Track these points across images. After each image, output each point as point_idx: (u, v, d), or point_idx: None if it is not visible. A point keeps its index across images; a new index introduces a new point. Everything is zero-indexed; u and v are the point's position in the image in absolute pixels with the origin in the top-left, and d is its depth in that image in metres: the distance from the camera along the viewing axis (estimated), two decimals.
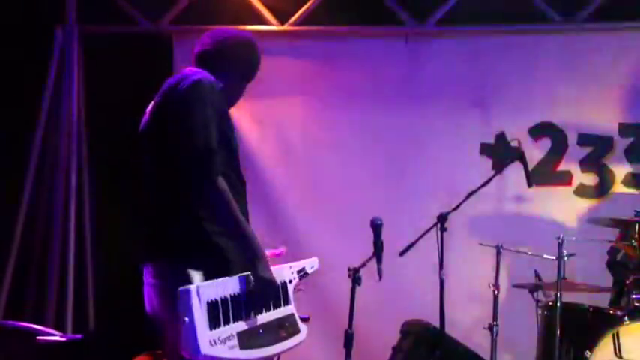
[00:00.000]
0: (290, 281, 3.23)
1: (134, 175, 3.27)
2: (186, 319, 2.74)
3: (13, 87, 5.84)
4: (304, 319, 4.46)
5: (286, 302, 3.17)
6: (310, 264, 3.39)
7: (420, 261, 4.91)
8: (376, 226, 4.42)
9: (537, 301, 4.86)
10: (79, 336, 4.02)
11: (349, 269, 4.43)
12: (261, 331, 2.98)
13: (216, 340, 2.78)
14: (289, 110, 6.08)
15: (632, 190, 5.65)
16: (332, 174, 5.94)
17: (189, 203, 2.97)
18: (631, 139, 5.70)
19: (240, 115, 6.06)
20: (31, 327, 3.93)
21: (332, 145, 5.97)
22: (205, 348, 2.74)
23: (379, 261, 4.38)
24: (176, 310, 2.77)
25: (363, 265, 4.42)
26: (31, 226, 5.95)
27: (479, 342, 4.80)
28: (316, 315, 4.90)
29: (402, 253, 4.76)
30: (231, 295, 2.89)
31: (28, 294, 5.89)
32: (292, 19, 6.09)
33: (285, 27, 6.10)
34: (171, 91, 3.06)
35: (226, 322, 2.85)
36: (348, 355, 4.32)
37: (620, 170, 5.69)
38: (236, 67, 3.25)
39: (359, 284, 4.41)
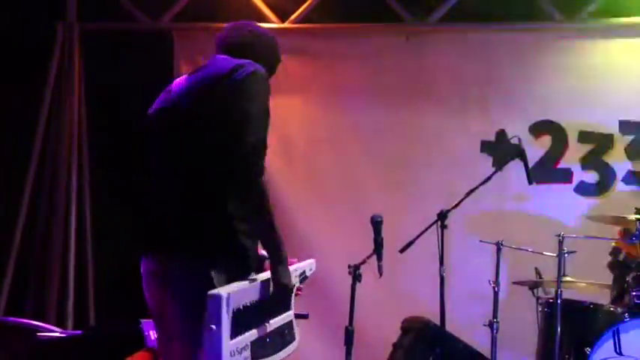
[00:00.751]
0: (294, 286, 3.11)
1: (143, 161, 3.06)
2: (214, 327, 2.60)
3: (13, 84, 5.84)
4: (304, 317, 4.47)
5: (288, 308, 3.05)
6: (309, 267, 3.27)
7: (420, 258, 4.92)
8: (376, 223, 4.43)
9: (537, 298, 4.87)
10: (79, 332, 4.02)
11: (349, 266, 4.44)
12: (268, 339, 2.86)
13: (235, 351, 2.66)
14: (290, 108, 6.07)
15: (632, 188, 5.64)
16: (332, 171, 5.94)
17: (224, 197, 2.83)
18: (632, 137, 5.70)
19: None
20: (32, 323, 3.94)
21: (332, 143, 5.97)
22: (226, 358, 2.61)
23: (379, 258, 4.39)
24: (201, 313, 2.63)
25: (364, 262, 4.42)
26: (32, 224, 5.96)
27: (479, 339, 4.79)
28: (317, 312, 4.89)
29: (402, 250, 4.76)
30: (250, 303, 2.77)
31: (28, 292, 5.90)
32: (293, 17, 6.09)
33: (286, 25, 6.10)
34: (226, 77, 2.88)
35: (245, 331, 2.73)
36: (348, 352, 4.32)
37: (621, 167, 5.68)
38: (267, 58, 3.15)
39: (359, 281, 4.42)
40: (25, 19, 5.91)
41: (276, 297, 2.86)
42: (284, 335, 2.97)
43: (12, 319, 4.10)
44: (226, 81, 2.88)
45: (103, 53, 6.03)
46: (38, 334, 3.89)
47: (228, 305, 2.62)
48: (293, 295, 3.07)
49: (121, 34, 6.11)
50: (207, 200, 2.85)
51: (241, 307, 2.70)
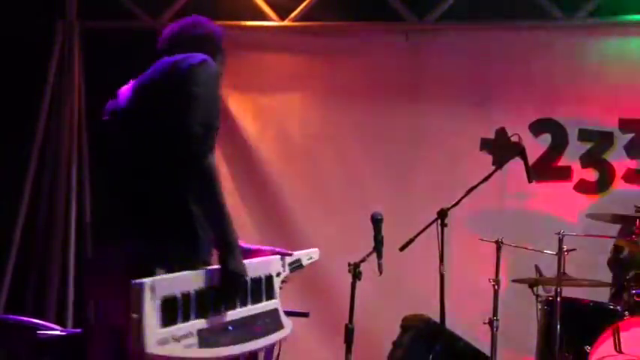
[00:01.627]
0: (278, 274, 3.09)
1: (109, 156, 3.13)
2: (135, 315, 2.60)
3: (13, 83, 5.84)
4: (304, 315, 4.47)
5: (270, 297, 3.01)
6: (308, 255, 3.26)
7: (420, 256, 4.91)
8: (376, 221, 4.43)
9: (537, 296, 4.86)
10: (79, 330, 4.02)
11: (349, 264, 4.43)
12: (231, 327, 2.82)
13: (169, 339, 2.64)
14: (289, 105, 6.09)
15: (632, 186, 5.64)
16: (332, 169, 5.95)
17: (175, 182, 2.86)
18: (631, 135, 5.69)
19: (241, 109, 6.08)
20: (32, 322, 3.94)
21: (332, 141, 5.98)
22: (152, 347, 2.60)
23: (379, 256, 4.38)
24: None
25: (364, 260, 4.41)
26: (32, 222, 5.95)
27: (479, 337, 4.79)
28: (317, 310, 4.93)
29: (402, 248, 4.75)
30: (196, 290, 2.74)
31: (28, 290, 5.89)
32: (292, 15, 6.09)
33: (286, 22, 6.10)
34: (174, 67, 2.93)
35: (186, 318, 2.70)
36: (348, 349, 4.31)
37: (621, 165, 5.68)
38: (216, 52, 3.13)
39: (359, 279, 4.41)
40: (24, 18, 5.91)
41: (228, 285, 2.81)
42: (262, 324, 2.93)
43: (12, 317, 4.10)
44: (174, 71, 2.92)
45: (103, 51, 6.02)
46: (38, 332, 3.89)
47: (154, 292, 2.62)
48: (277, 283, 3.05)
49: (122, 32, 6.10)
50: (159, 187, 2.88)
51: (177, 295, 2.68)
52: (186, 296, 2.71)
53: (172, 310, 2.67)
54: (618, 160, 5.70)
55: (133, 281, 2.64)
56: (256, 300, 2.95)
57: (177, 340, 2.66)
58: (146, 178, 2.92)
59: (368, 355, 4.92)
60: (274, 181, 5.97)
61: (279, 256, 3.15)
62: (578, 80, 5.76)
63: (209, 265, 2.87)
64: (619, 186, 5.67)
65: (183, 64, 2.91)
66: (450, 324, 4.65)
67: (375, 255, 4.39)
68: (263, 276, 3.02)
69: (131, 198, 2.94)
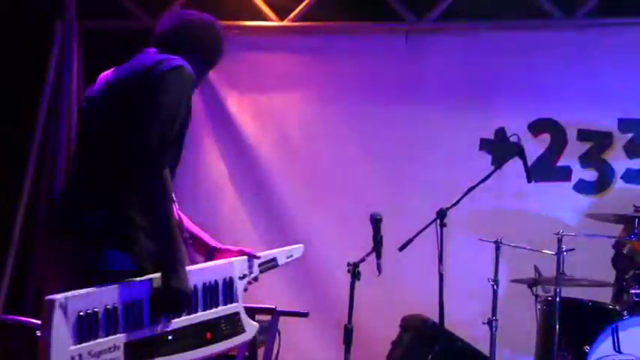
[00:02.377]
0: (243, 276, 3.00)
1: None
2: (41, 333, 2.54)
3: (12, 83, 5.84)
4: (304, 315, 4.48)
5: (230, 301, 2.91)
6: (287, 253, 3.16)
7: (419, 256, 4.91)
8: (375, 221, 4.44)
9: (536, 296, 4.86)
10: None
11: (348, 264, 4.44)
12: (171, 337, 2.72)
13: (84, 355, 2.55)
14: (289, 105, 6.09)
15: (631, 186, 5.65)
16: (331, 169, 5.94)
17: (123, 189, 2.78)
18: (630, 135, 5.70)
19: (240, 109, 6.08)
20: (32, 322, 3.94)
21: (331, 140, 5.97)
22: None
23: (378, 256, 4.39)
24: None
25: (363, 260, 4.42)
26: (31, 222, 5.95)
27: (478, 337, 4.80)
28: (316, 310, 4.94)
29: (401, 248, 4.75)
30: (126, 302, 2.65)
31: (28, 290, 5.89)
32: (292, 15, 6.09)
33: (285, 23, 6.10)
34: (147, 71, 2.83)
35: (110, 332, 2.62)
36: (347, 350, 4.32)
37: (620, 165, 5.68)
38: (200, 50, 3.02)
39: (358, 279, 4.42)
40: (24, 17, 5.91)
41: (167, 301, 2.71)
42: (215, 330, 2.83)
43: (11, 317, 4.10)
44: (146, 75, 2.82)
45: (102, 51, 6.02)
46: (38, 332, 3.89)
47: (65, 309, 2.54)
48: (241, 286, 2.96)
49: (121, 32, 6.10)
50: (107, 190, 2.81)
51: (94, 310, 2.59)
52: (110, 310, 2.63)
53: (90, 325, 2.59)
54: (617, 160, 5.69)
55: (46, 297, 2.56)
56: (210, 306, 2.85)
57: (95, 355, 2.58)
58: (98, 176, 2.85)
59: (367, 355, 4.93)
60: (273, 181, 5.97)
61: (245, 258, 3.06)
62: (578, 80, 5.76)
63: (151, 276, 2.77)
64: (618, 186, 5.66)
65: (155, 70, 2.82)
66: (449, 324, 4.64)
67: (374, 255, 4.40)
68: (221, 280, 2.92)
69: (82, 196, 2.86)
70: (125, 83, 2.89)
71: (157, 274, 2.75)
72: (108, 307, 2.63)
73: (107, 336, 2.62)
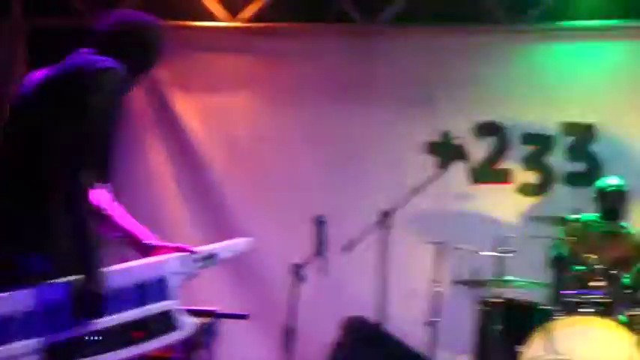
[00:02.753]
0: (178, 273, 2.93)
1: None
2: None
3: None
4: (244, 317, 4.49)
5: (162, 298, 2.84)
6: (230, 248, 3.09)
7: (362, 257, 4.95)
8: (320, 223, 4.47)
9: (476, 297, 4.93)
10: None
11: (291, 266, 4.46)
12: (96, 337, 2.68)
13: None
14: (237, 106, 6.08)
15: (572, 189, 5.75)
16: (278, 170, 5.93)
17: (45, 188, 2.74)
18: (572, 138, 5.80)
19: (187, 108, 6.05)
20: None
21: (279, 142, 5.96)
22: None
23: (322, 258, 4.43)
24: None
25: (306, 261, 4.46)
26: None
27: (419, 338, 4.84)
28: (256, 312, 4.94)
29: (345, 250, 4.79)
30: (45, 305, 2.60)
31: None
32: (243, 16, 6.07)
33: (236, 23, 6.08)
34: (78, 72, 2.79)
35: (26, 336, 2.56)
36: (288, 351, 4.35)
37: (561, 168, 5.78)
38: (139, 52, 2.99)
39: (302, 280, 4.45)
40: None
41: (85, 305, 2.67)
42: (144, 328, 2.79)
43: None
44: (76, 76, 2.80)
45: (49, 50, 5.95)
46: None
47: None
48: (175, 283, 2.91)
49: (68, 31, 6.03)
50: (27, 191, 2.78)
51: (11, 314, 2.54)
52: (26, 314, 2.57)
53: (5, 331, 2.52)
54: (559, 162, 5.79)
55: None
56: (140, 304, 2.80)
57: None
58: (20, 176, 2.81)
59: (308, 356, 4.93)
60: (218, 181, 5.96)
61: (180, 254, 3.00)
62: (523, 84, 5.83)
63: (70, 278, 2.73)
64: (559, 189, 5.77)
65: (85, 71, 2.78)
66: (390, 325, 4.69)
67: (317, 256, 4.44)
68: (153, 277, 2.87)
69: (2, 195, 2.83)
70: (55, 83, 2.85)
71: (79, 276, 2.70)
72: (24, 310, 2.59)
73: (24, 340, 2.57)
